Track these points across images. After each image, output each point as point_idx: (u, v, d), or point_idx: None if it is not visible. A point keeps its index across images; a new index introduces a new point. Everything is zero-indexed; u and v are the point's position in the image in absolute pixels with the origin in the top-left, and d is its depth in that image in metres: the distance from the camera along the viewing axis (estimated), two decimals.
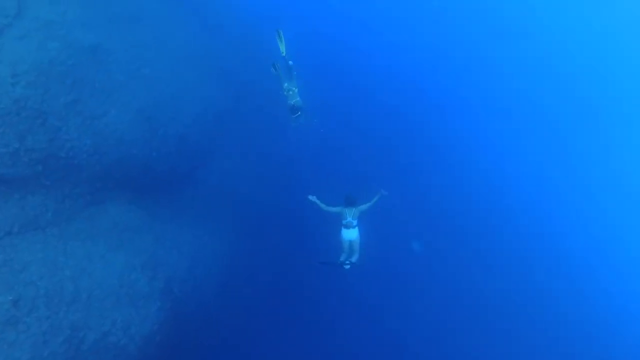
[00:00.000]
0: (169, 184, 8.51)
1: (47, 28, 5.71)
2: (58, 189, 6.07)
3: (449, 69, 21.21)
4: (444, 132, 19.14)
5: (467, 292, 14.90)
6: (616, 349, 16.13)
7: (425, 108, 19.03)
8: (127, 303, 6.47)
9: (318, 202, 7.16)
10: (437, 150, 18.38)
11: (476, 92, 21.32)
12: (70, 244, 6.10)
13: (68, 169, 6.08)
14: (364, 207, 7.04)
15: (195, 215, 9.16)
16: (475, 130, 20.49)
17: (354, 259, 7.24)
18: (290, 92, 7.41)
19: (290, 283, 12.18)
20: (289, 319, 11.77)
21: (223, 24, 11.59)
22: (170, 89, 8.40)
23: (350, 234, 7.07)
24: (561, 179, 21.43)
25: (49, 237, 5.87)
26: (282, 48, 7.44)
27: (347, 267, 7.11)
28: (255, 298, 10.92)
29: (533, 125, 22.08)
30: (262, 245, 11.11)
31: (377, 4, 21.02)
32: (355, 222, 7.05)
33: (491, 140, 20.98)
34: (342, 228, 7.12)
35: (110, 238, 6.84)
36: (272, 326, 11.15)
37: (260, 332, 10.73)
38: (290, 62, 7.56)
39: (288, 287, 12.09)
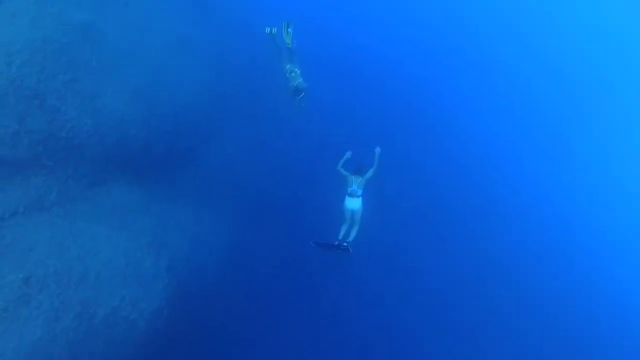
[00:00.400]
0: (169, 164, 8.53)
1: (38, 5, 5.59)
2: (60, 170, 6.09)
3: (455, 74, 21.08)
4: (447, 132, 19.18)
5: (468, 289, 15.04)
6: (615, 350, 16.37)
7: (427, 108, 18.99)
8: (134, 281, 6.61)
9: (345, 157, 7.46)
10: (439, 149, 18.42)
11: (476, 93, 21.28)
12: (75, 225, 6.17)
13: (69, 150, 6.08)
14: (369, 174, 7.26)
15: (196, 196, 9.23)
16: (476, 129, 20.56)
17: (352, 235, 7.39)
18: (293, 74, 7.43)
19: (290, 263, 12.39)
20: (289, 298, 12.04)
21: (218, 7, 11.34)
22: (165, 70, 8.31)
23: (354, 204, 7.26)
24: (560, 177, 21.66)
25: (55, 218, 5.93)
26: (288, 40, 7.40)
27: (345, 246, 7.21)
28: (255, 275, 11.16)
29: (532, 124, 22.21)
30: (262, 225, 11.25)
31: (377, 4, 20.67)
32: (360, 192, 7.26)
33: (491, 138, 21.09)
34: (347, 197, 7.32)
35: (113, 219, 6.92)
36: (272, 305, 11.42)
37: (260, 309, 11.00)
38: (294, 44, 7.51)
39: (288, 267, 12.31)
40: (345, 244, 7.27)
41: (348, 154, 7.61)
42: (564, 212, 20.71)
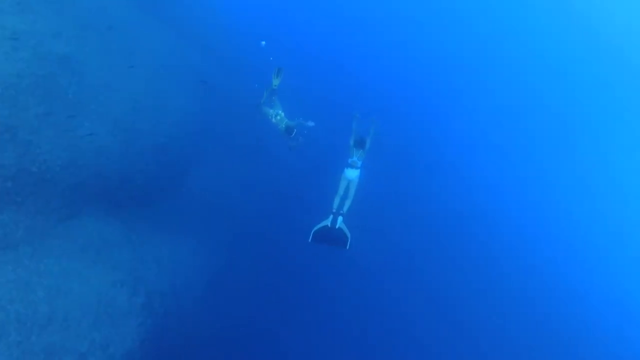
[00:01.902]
0: (148, 195, 8.29)
1: (14, 39, 5.48)
2: (30, 205, 5.81)
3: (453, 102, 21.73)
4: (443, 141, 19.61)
5: (467, 290, 15.28)
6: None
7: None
8: (106, 321, 6.24)
9: (357, 120, 7.69)
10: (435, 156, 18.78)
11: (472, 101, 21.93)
12: (44, 262, 5.83)
13: (40, 184, 5.83)
14: (368, 145, 7.60)
15: (174, 227, 8.95)
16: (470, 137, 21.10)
17: (346, 207, 7.69)
18: (278, 117, 7.63)
19: (271, 294, 12.04)
20: (270, 331, 11.63)
21: (200, 33, 11.48)
22: (147, 99, 8.22)
23: (352, 174, 7.65)
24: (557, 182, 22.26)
25: (21, 256, 5.59)
26: (275, 83, 7.66)
27: (340, 220, 7.48)
28: (236, 310, 10.75)
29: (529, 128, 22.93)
30: (241, 258, 10.97)
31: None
32: (359, 164, 7.65)
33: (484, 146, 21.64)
34: (346, 167, 7.70)
35: (87, 254, 6.59)
36: (253, 338, 10.99)
37: (241, 345, 10.54)
38: (274, 88, 7.77)
39: (268, 302, 11.92)
40: (340, 214, 7.59)
41: (358, 114, 7.83)
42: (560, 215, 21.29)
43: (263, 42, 7.75)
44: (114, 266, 6.88)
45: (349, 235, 7.67)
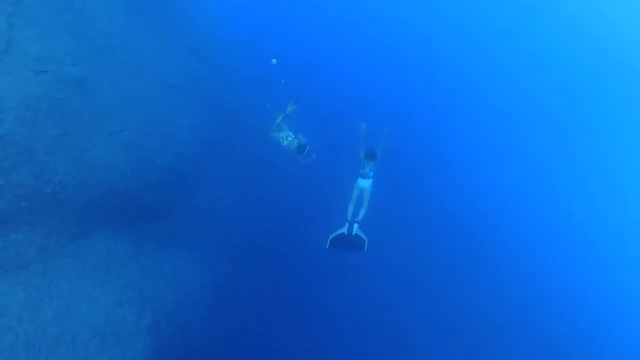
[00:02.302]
0: (156, 212, 8.34)
1: (36, 62, 5.64)
2: (44, 225, 5.86)
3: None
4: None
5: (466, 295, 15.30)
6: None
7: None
8: (113, 343, 6.20)
9: (363, 132, 7.64)
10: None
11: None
12: (54, 283, 5.84)
13: (54, 204, 5.90)
14: (378, 156, 7.59)
15: (181, 244, 8.98)
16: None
17: (360, 215, 7.77)
18: (289, 139, 7.78)
19: (278, 310, 11.97)
20: (277, 346, 11.51)
21: (208, 51, 11.75)
22: (157, 118, 8.38)
23: (365, 183, 7.77)
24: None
25: (33, 276, 5.61)
26: (290, 109, 7.86)
27: (356, 227, 7.57)
28: (242, 326, 10.66)
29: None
30: (248, 276, 10.93)
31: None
32: (371, 174, 7.72)
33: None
34: (359, 177, 7.77)
35: (96, 273, 6.60)
36: (261, 355, 10.86)
37: None
38: (287, 114, 8.02)
39: (276, 313, 11.88)
40: (356, 222, 7.69)
41: (363, 126, 7.74)
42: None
43: (274, 60, 8.01)
44: (122, 285, 6.87)
45: (366, 239, 7.78)
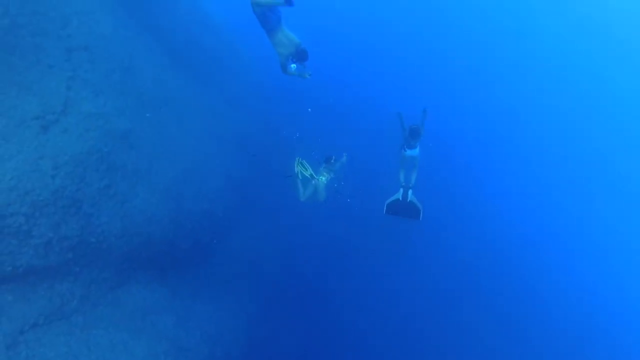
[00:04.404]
0: (191, 259, 8.40)
1: (87, 120, 6.04)
2: (86, 275, 5.99)
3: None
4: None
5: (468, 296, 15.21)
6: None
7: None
8: None
9: (401, 117, 7.80)
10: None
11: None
12: (93, 333, 5.87)
13: (97, 254, 6.05)
14: (422, 132, 7.73)
15: (216, 291, 8.91)
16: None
17: (413, 180, 8.01)
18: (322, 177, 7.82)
19: (310, 355, 11.47)
20: None
21: (243, 99, 12.27)
22: (193, 164, 8.65)
23: (413, 152, 7.98)
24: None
25: (74, 327, 5.66)
26: (309, 173, 8.00)
27: (410, 193, 7.88)
28: None
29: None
30: (282, 320, 10.63)
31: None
32: (417, 145, 7.91)
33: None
34: (406, 149, 7.98)
35: (132, 322, 6.60)
36: None
37: None
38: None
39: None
40: (409, 188, 8.01)
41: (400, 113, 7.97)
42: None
43: (309, 109, 8.28)
44: (158, 336, 6.82)
45: (420, 207, 7.98)
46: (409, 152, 8.03)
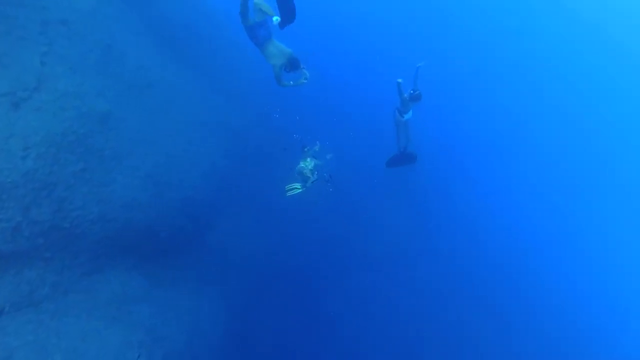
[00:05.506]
0: (171, 247, 8.19)
1: (63, 99, 5.73)
2: (58, 261, 5.74)
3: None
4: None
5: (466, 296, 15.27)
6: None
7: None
8: None
9: (400, 84, 8.29)
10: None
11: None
12: (64, 322, 5.64)
13: (70, 239, 5.80)
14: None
15: (195, 280, 8.74)
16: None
17: (407, 140, 9.22)
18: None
19: (290, 347, 11.43)
20: None
21: (234, 89, 11.94)
22: (177, 151, 8.38)
23: (408, 115, 8.93)
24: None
25: (42, 315, 5.43)
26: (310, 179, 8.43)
27: (409, 153, 9.43)
28: None
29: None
30: (262, 311, 10.53)
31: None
32: (410, 110, 8.84)
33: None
34: (402, 115, 8.93)
35: (107, 311, 6.38)
36: None
37: None
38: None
39: (286, 352, 11.34)
40: (411, 152, 9.60)
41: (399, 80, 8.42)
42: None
43: (276, 115, 8.88)
44: (133, 325, 6.63)
45: (415, 152, 9.60)
46: (405, 117, 9.00)
